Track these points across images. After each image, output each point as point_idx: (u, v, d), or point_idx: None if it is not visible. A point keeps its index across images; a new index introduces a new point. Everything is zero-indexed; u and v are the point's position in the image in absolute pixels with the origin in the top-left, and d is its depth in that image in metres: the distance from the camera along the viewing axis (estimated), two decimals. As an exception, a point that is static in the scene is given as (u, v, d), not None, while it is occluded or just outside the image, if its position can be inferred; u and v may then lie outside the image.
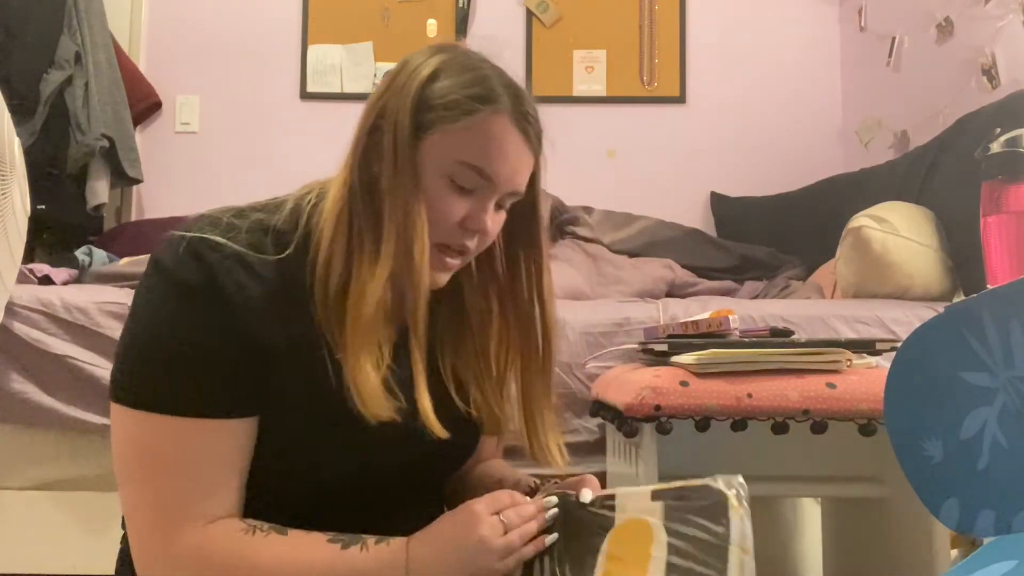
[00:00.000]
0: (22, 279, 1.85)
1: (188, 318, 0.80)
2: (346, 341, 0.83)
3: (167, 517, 0.80)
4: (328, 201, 0.87)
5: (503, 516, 0.82)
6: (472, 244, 0.89)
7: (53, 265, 2.17)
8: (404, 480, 0.92)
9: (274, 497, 0.86)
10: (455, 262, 0.90)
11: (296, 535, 0.82)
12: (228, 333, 0.80)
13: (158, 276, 0.82)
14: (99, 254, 2.36)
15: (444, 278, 0.91)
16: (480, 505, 0.82)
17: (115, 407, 0.82)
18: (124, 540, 1.00)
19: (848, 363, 1.28)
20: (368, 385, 0.82)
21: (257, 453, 0.85)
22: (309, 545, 0.81)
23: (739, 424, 1.23)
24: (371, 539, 0.82)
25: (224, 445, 0.82)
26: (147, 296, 0.83)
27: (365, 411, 0.82)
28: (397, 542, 0.81)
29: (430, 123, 0.86)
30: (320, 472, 0.86)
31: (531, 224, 0.96)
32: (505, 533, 0.81)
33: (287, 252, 0.84)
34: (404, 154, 0.85)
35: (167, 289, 0.81)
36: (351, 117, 0.91)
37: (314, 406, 0.84)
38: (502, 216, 0.92)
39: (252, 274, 0.82)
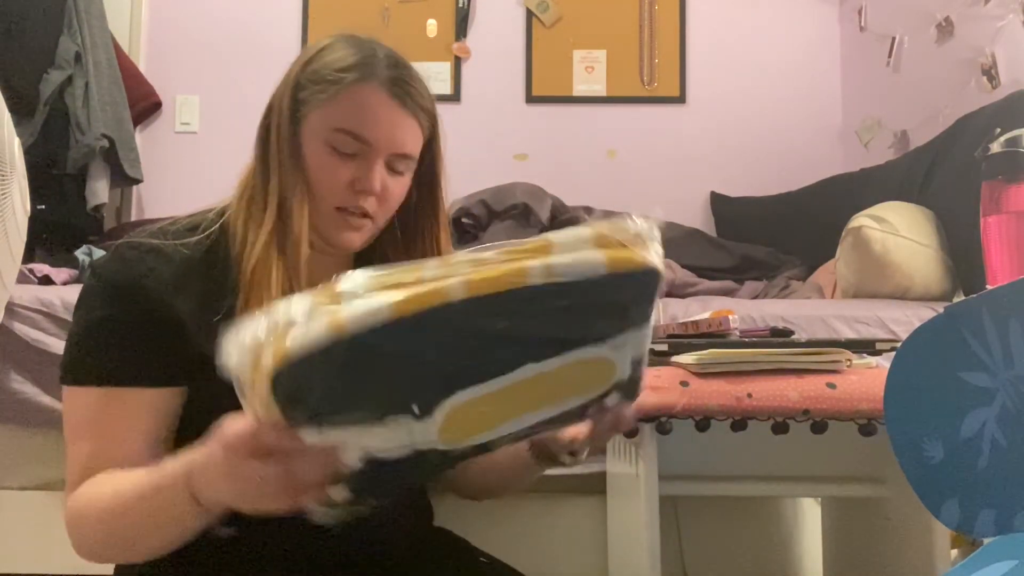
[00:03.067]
0: (22, 279, 1.85)
1: (105, 301, 0.92)
2: (241, 294, 0.92)
3: (72, 478, 0.89)
4: (238, 185, 1.00)
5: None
6: (370, 206, 0.96)
7: (53, 265, 2.17)
8: None
9: None
10: (360, 222, 0.97)
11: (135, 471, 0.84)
12: (139, 308, 0.90)
13: (90, 279, 0.95)
14: (99, 254, 2.36)
15: (354, 239, 0.98)
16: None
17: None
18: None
19: (848, 363, 1.28)
20: None
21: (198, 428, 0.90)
22: (129, 474, 0.85)
23: (739, 424, 1.23)
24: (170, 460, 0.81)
25: (133, 412, 0.89)
26: (81, 296, 0.95)
27: None
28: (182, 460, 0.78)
29: (307, 100, 0.96)
30: None
31: (432, 192, 1.04)
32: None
33: (206, 237, 0.96)
34: (284, 132, 0.96)
35: (93, 286, 0.94)
36: (351, 117, 0.94)
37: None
38: (401, 181, 0.99)
39: (166, 260, 0.93)
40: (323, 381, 0.61)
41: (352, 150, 0.95)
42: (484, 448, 0.73)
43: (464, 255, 0.64)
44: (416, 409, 0.65)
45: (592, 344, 0.70)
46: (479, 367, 0.66)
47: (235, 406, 0.87)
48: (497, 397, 0.68)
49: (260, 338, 0.61)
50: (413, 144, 0.98)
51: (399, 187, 0.99)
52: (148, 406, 0.90)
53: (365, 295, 0.61)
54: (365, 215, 0.97)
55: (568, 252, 0.64)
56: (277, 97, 0.99)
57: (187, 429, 0.93)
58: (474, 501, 1.15)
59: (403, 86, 0.96)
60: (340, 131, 0.94)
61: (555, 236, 0.65)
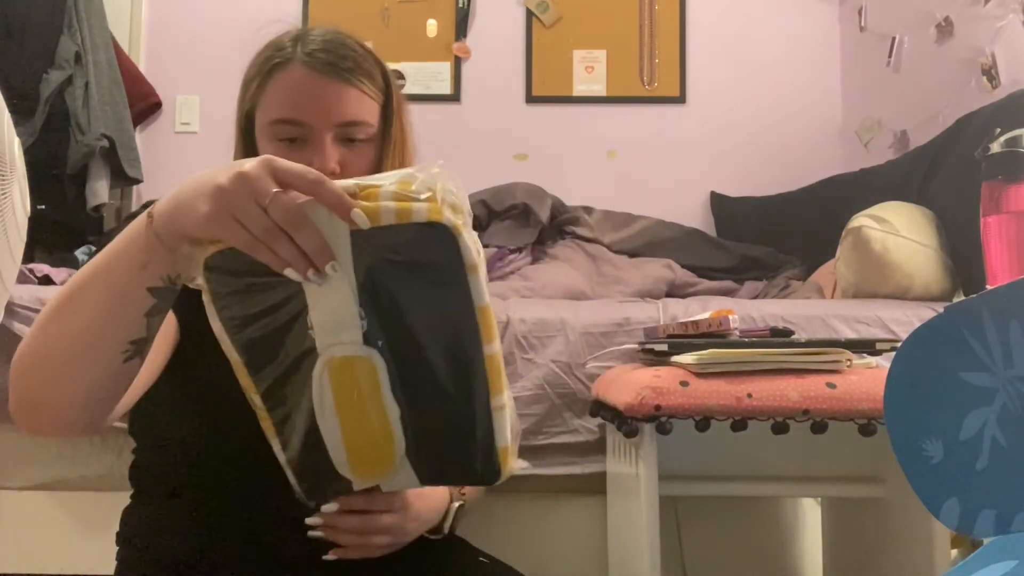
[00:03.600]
0: (22, 279, 1.85)
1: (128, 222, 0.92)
2: None
3: None
4: None
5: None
6: None
7: (53, 265, 2.17)
8: None
9: (207, 458, 0.93)
10: None
11: None
12: None
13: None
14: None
15: None
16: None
17: None
18: (119, 541, 1.01)
19: (848, 363, 1.28)
20: None
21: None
22: None
23: (739, 424, 1.23)
24: None
25: None
26: None
27: None
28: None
29: (248, 105, 1.00)
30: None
31: (377, 161, 1.01)
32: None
33: None
34: (238, 142, 1.02)
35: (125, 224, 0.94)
36: (352, 117, 0.93)
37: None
38: (363, 151, 0.98)
39: None
40: (420, 259, 0.69)
41: (295, 135, 0.95)
42: (287, 394, 0.77)
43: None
44: (375, 334, 0.72)
45: (408, 449, 0.78)
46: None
47: (215, 378, 0.85)
48: (371, 399, 0.74)
49: (457, 194, 0.69)
50: (358, 110, 0.96)
51: (362, 157, 0.97)
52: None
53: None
54: None
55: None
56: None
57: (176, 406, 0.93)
58: None
59: (327, 56, 0.95)
60: (276, 122, 0.95)
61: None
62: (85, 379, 0.74)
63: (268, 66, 0.96)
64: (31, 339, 0.75)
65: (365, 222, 0.66)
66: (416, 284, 0.71)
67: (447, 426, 0.76)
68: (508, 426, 0.77)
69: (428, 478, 0.81)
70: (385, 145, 1.00)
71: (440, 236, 0.68)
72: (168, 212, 0.70)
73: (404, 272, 0.70)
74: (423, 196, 0.68)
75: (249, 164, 0.67)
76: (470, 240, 0.70)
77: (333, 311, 0.71)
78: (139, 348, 0.75)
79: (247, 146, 1.00)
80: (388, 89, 1.00)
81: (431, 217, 0.67)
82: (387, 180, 0.69)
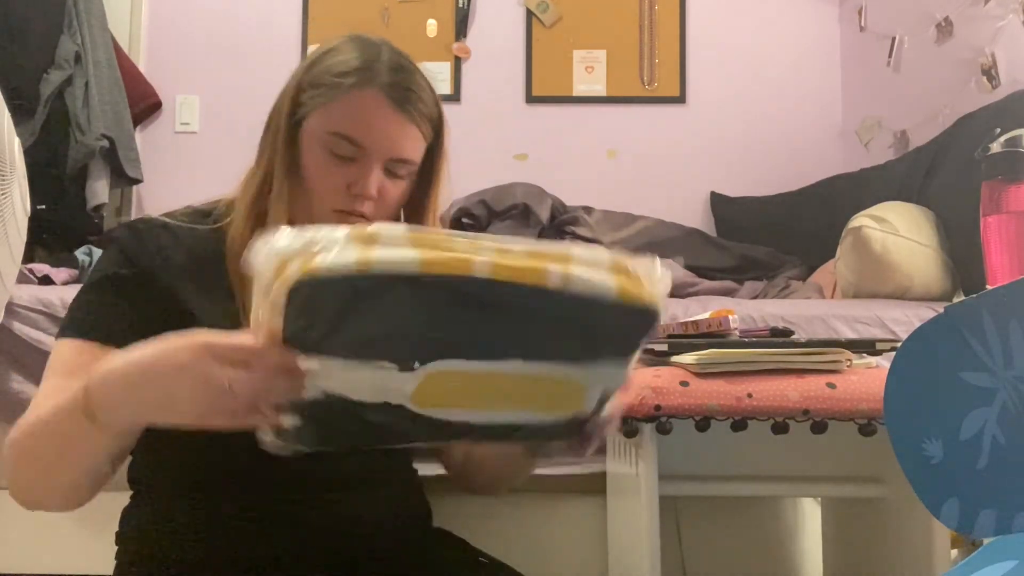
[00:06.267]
0: (22, 279, 1.85)
1: (111, 263, 0.96)
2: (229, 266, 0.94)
3: (28, 411, 0.87)
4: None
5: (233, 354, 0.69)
6: (368, 209, 0.96)
7: (53, 265, 2.17)
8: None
9: (206, 473, 0.93)
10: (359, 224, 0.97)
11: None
12: (143, 278, 0.93)
13: (105, 247, 1.00)
14: (99, 254, 2.36)
15: None
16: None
17: None
18: (120, 541, 1.01)
19: (848, 363, 1.28)
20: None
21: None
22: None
23: (739, 424, 1.23)
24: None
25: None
26: (95, 262, 1.02)
27: None
28: None
29: (306, 102, 0.96)
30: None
31: (423, 197, 1.03)
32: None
33: (213, 222, 0.99)
34: (282, 132, 0.97)
35: (105, 252, 0.98)
36: (351, 117, 0.94)
37: None
38: (400, 185, 0.99)
39: (175, 240, 0.96)
40: (334, 307, 0.65)
41: (349, 154, 0.95)
42: (440, 431, 0.74)
43: (491, 240, 0.67)
44: (404, 361, 0.68)
45: (571, 363, 0.72)
46: (472, 344, 0.69)
47: None
48: (475, 379, 0.70)
49: (293, 248, 0.65)
50: (412, 150, 0.98)
51: (398, 191, 0.99)
52: None
53: (398, 245, 0.65)
54: (363, 218, 0.97)
55: (586, 268, 0.68)
56: (280, 97, 1.00)
57: None
58: (472, 494, 1.15)
59: (403, 92, 0.96)
60: (337, 135, 0.95)
61: (576, 250, 0.69)
62: (69, 480, 0.82)
63: (348, 80, 0.95)
64: (14, 442, 0.81)
65: (275, 327, 0.66)
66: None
67: None
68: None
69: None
70: (427, 184, 1.02)
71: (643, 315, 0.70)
72: (115, 408, 0.73)
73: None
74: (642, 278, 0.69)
75: (186, 364, 0.68)
76: (348, 256, 0.65)
77: (365, 382, 0.69)
78: (113, 461, 0.81)
79: (290, 137, 0.98)
80: (439, 129, 1.01)
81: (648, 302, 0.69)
82: (602, 256, 0.69)
